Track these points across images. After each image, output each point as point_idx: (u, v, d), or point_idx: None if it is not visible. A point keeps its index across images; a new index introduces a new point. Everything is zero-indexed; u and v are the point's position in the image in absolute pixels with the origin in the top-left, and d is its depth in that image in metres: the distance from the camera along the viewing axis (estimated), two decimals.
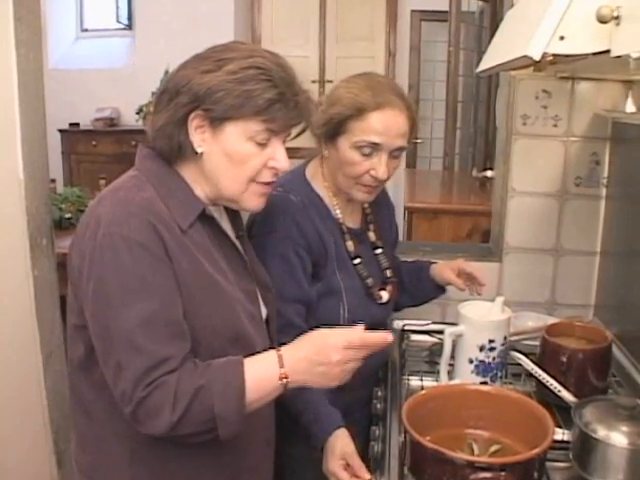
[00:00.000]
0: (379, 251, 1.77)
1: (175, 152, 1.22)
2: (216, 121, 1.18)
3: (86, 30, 6.23)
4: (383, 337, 1.16)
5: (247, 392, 1.10)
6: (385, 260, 1.78)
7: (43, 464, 1.86)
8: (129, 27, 6.00)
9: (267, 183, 1.25)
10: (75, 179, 5.39)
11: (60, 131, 5.44)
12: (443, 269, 1.82)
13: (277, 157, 1.23)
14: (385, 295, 1.72)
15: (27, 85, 1.68)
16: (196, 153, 1.21)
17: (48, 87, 1.78)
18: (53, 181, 3.80)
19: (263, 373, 1.14)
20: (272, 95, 1.16)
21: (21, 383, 1.79)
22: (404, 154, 1.67)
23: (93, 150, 5.54)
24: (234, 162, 1.20)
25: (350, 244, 1.67)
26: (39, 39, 1.73)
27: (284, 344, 1.19)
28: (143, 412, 1.08)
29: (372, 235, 1.77)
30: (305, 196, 1.63)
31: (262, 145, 1.21)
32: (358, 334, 1.15)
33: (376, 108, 1.53)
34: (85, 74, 5.66)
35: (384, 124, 1.53)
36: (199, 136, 1.20)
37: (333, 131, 1.57)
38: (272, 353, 1.16)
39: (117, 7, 6.12)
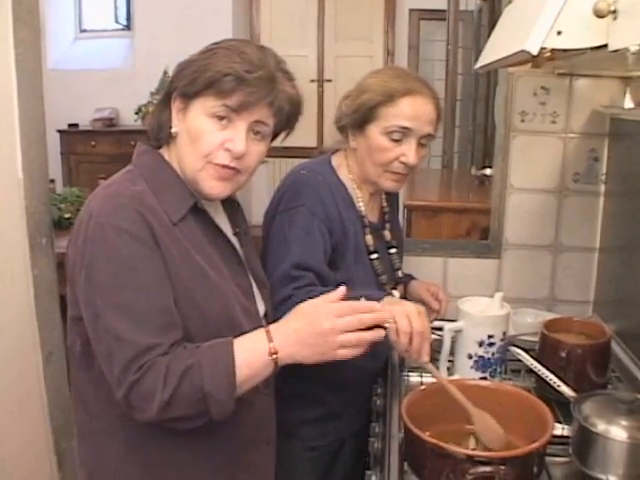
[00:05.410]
0: (393, 250, 1.78)
1: (155, 132, 1.28)
2: (185, 101, 1.21)
3: (85, 30, 6.23)
4: (373, 305, 1.20)
5: (237, 370, 1.11)
6: (397, 260, 1.78)
7: (43, 464, 1.86)
8: (128, 27, 6.02)
9: (224, 166, 1.21)
10: (74, 179, 5.40)
11: (59, 131, 5.45)
12: (421, 289, 1.84)
13: (233, 138, 1.20)
14: (397, 294, 1.71)
15: (26, 85, 1.68)
16: (171, 135, 1.24)
17: (47, 87, 1.78)
18: (52, 181, 3.80)
19: (252, 350, 1.14)
20: (223, 68, 1.17)
21: (21, 382, 1.79)
22: None
23: (92, 150, 5.55)
24: (191, 138, 1.21)
25: (369, 238, 1.68)
26: (38, 39, 1.73)
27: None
28: (136, 396, 1.09)
29: (387, 234, 1.77)
30: (332, 181, 1.64)
31: (222, 124, 1.19)
32: (349, 303, 1.18)
33: (406, 94, 1.55)
34: (84, 74, 5.67)
35: (414, 109, 1.56)
36: (176, 118, 1.24)
37: (363, 118, 1.59)
38: (260, 330, 1.17)
39: (116, 7, 6.14)
